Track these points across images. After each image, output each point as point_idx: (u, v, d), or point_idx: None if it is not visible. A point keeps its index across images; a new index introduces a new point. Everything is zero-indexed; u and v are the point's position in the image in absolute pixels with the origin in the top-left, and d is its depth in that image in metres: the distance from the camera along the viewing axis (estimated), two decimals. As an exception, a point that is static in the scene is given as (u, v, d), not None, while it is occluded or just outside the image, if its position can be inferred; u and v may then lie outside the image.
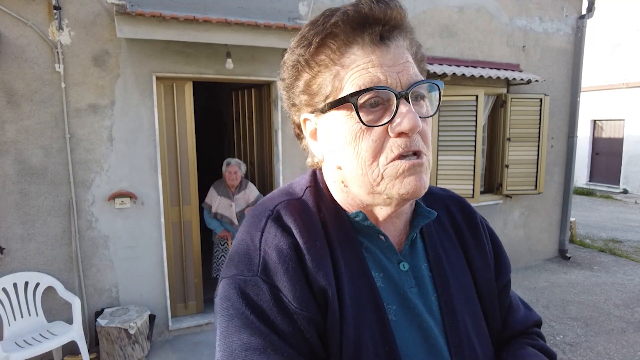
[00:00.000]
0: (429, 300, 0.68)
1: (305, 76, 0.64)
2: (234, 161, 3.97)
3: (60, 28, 3.23)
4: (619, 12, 12.81)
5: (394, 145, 0.59)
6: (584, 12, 5.71)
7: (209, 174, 5.55)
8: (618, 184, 12.51)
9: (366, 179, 0.62)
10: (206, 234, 4.18)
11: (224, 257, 4.08)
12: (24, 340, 3.03)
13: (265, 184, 4.36)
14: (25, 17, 3.13)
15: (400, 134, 0.59)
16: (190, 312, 4.03)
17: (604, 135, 12.97)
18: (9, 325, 3.09)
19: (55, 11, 3.18)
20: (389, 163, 0.60)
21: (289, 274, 0.60)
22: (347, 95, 0.60)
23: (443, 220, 0.78)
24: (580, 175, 12.91)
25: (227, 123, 6.88)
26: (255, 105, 4.36)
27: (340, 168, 0.66)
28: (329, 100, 0.63)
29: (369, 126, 0.60)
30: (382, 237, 0.68)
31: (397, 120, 0.58)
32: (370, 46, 0.60)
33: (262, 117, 4.29)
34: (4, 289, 3.13)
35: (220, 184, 4.00)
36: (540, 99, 5.23)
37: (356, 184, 0.64)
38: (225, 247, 4.05)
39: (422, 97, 0.63)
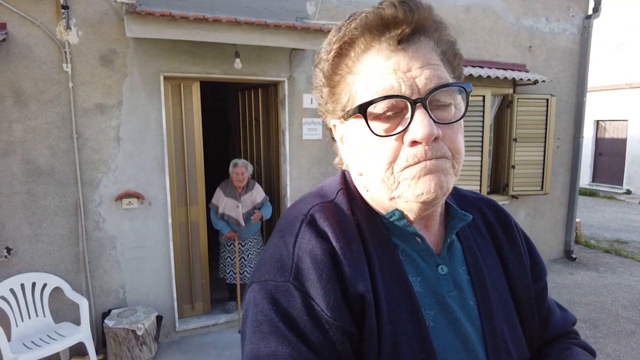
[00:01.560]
0: (467, 305, 0.66)
1: (328, 83, 0.65)
2: (241, 162, 3.95)
3: (68, 27, 3.21)
4: (622, 12, 12.78)
5: (410, 154, 0.57)
6: (590, 12, 5.69)
7: (213, 174, 5.53)
8: (621, 185, 12.49)
9: (384, 185, 0.61)
10: (213, 234, 4.16)
11: (230, 258, 4.06)
12: (32, 342, 3.01)
13: (272, 184, 4.34)
14: (33, 17, 3.11)
15: (414, 143, 0.57)
16: (197, 313, 4.01)
17: (607, 135, 12.95)
18: (17, 326, 3.07)
19: (63, 10, 3.17)
20: (403, 170, 0.58)
21: (322, 281, 0.58)
22: (357, 106, 0.60)
23: (478, 223, 0.76)
24: (583, 176, 12.84)
25: (232, 123, 6.87)
26: (262, 105, 4.35)
27: (361, 174, 0.66)
28: (347, 109, 0.63)
29: (381, 136, 0.58)
30: (419, 239, 0.66)
31: (411, 128, 0.56)
32: (386, 52, 0.58)
33: (269, 118, 4.27)
34: (12, 290, 3.11)
35: (227, 184, 3.98)
36: (547, 100, 5.21)
37: (377, 190, 0.64)
38: (232, 247, 4.04)
39: (447, 101, 0.59)
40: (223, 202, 3.92)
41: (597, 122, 13.04)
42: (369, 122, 0.59)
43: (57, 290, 3.30)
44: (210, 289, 4.09)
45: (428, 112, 0.56)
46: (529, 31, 5.34)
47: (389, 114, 0.58)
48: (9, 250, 3.19)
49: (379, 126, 0.59)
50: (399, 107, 0.58)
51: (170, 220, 3.66)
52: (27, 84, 3.16)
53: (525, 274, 0.75)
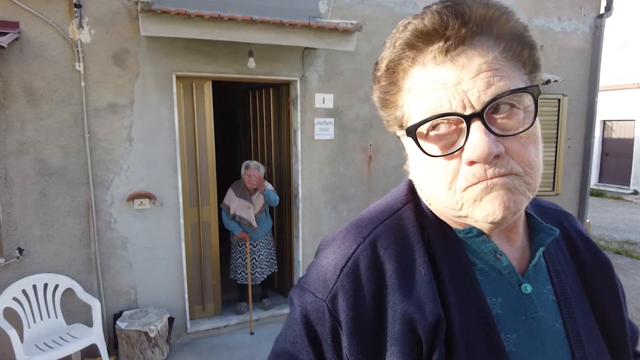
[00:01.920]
0: (553, 328, 0.61)
1: (383, 100, 0.61)
2: (253, 164, 3.91)
3: (80, 26, 3.18)
4: (625, 12, 12.70)
5: (468, 174, 0.52)
6: (602, 11, 5.64)
7: (222, 174, 5.49)
8: (628, 185, 12.41)
9: (447, 205, 0.56)
10: (224, 234, 4.13)
11: (242, 258, 4.02)
12: (45, 343, 2.99)
13: (283, 185, 4.31)
14: (45, 16, 3.08)
15: (472, 162, 0.52)
16: (208, 314, 3.98)
17: (614, 135, 12.87)
18: (29, 327, 3.04)
19: (75, 9, 3.14)
20: (464, 190, 0.53)
21: (358, 317, 0.55)
22: (406, 128, 0.56)
23: (558, 238, 0.70)
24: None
25: (241, 123, 6.84)
26: (273, 105, 4.31)
27: (421, 190, 0.61)
28: (403, 125, 0.60)
29: (434, 156, 0.54)
30: (500, 256, 0.60)
31: (466, 147, 0.51)
32: (432, 65, 0.53)
33: (280, 117, 4.23)
34: (24, 291, 3.09)
35: (239, 185, 3.94)
36: (559, 100, 5.16)
37: (440, 207, 0.59)
38: (243, 248, 4.00)
39: (513, 107, 0.52)
40: (235, 202, 3.89)
41: (604, 122, 12.96)
42: (421, 141, 0.55)
43: (69, 291, 3.27)
44: (221, 290, 4.05)
45: (486, 127, 0.50)
46: (541, 30, 5.29)
47: (442, 132, 0.53)
48: (21, 251, 3.16)
49: (432, 146, 0.54)
50: (454, 123, 0.53)
51: (182, 221, 3.63)
52: (40, 83, 3.13)
53: (609, 292, 0.69)
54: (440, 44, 0.52)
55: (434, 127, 0.54)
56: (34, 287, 3.14)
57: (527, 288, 0.60)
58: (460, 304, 0.56)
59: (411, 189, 0.66)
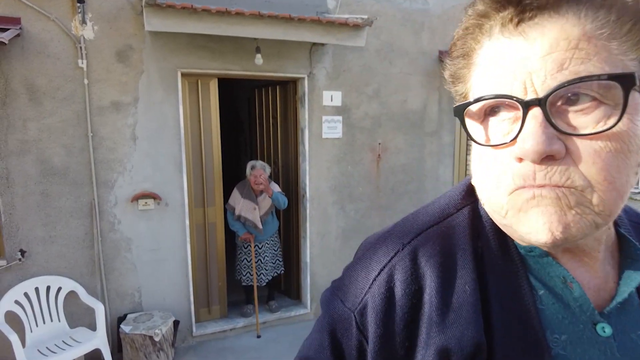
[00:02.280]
0: None
1: (452, 71, 0.52)
2: (259, 164, 3.82)
3: (83, 22, 3.10)
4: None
5: (516, 173, 0.42)
6: None
7: (226, 173, 5.40)
8: (637, 185, 12.26)
9: (494, 207, 0.46)
10: (230, 235, 4.04)
11: (247, 260, 3.94)
12: (47, 347, 2.91)
13: (290, 184, 4.22)
14: (48, 11, 3.00)
15: (520, 159, 0.42)
16: (214, 316, 3.89)
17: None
18: (31, 331, 2.96)
19: (78, 5, 3.06)
20: (510, 193, 0.43)
21: (387, 335, 0.49)
22: (454, 106, 0.48)
23: None
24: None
25: (245, 121, 6.75)
26: (280, 103, 4.22)
27: (477, 188, 0.51)
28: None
29: (481, 144, 0.46)
30: (572, 284, 0.48)
31: (518, 139, 0.41)
32: (499, 37, 0.44)
33: (287, 115, 4.14)
34: (26, 294, 3.01)
35: (244, 185, 3.85)
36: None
37: (489, 210, 0.49)
38: (249, 250, 3.91)
39: (598, 102, 0.40)
40: (240, 203, 3.80)
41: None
42: (475, 125, 0.47)
43: (72, 294, 3.19)
44: (227, 292, 3.97)
45: (547, 118, 0.40)
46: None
47: (502, 117, 0.44)
48: (23, 252, 3.08)
49: (487, 132, 0.46)
50: (515, 108, 0.43)
51: (187, 222, 3.55)
52: (42, 80, 3.05)
53: None
54: (511, 10, 0.42)
55: (492, 111, 0.45)
56: (36, 289, 3.07)
57: (606, 330, 0.47)
58: (509, 333, 0.45)
59: (470, 190, 0.55)
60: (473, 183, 0.52)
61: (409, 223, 0.55)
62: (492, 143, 0.45)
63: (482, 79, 0.45)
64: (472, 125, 0.47)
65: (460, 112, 0.46)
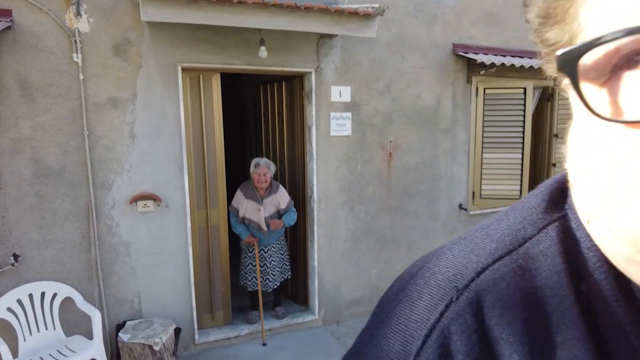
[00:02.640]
0: None
1: (547, 6, 0.30)
2: (263, 162, 3.64)
3: (78, 14, 2.94)
4: None
5: None
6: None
7: (230, 173, 5.23)
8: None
9: (634, 237, 0.26)
10: (234, 238, 3.87)
11: (252, 264, 3.76)
12: (41, 357, 2.76)
13: (297, 184, 4.03)
14: (40, 3, 2.84)
15: None
16: (217, 323, 3.72)
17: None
18: (24, 340, 2.82)
19: (72, -5, 2.90)
20: None
21: None
22: (558, 54, 0.26)
23: None
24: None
25: (249, 118, 6.58)
26: (286, 99, 4.03)
27: (580, 196, 0.31)
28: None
29: (608, 120, 0.25)
30: None
31: None
32: None
33: (293, 112, 3.96)
34: (19, 301, 2.86)
35: (248, 185, 3.67)
36: (591, 92, 4.80)
37: (596, 223, 0.29)
38: (253, 253, 3.73)
39: None
40: (244, 204, 3.62)
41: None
42: (592, 88, 0.26)
43: (68, 300, 3.04)
44: (231, 297, 3.80)
45: None
46: (571, 18, 4.94)
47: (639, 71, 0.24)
48: (16, 257, 2.93)
49: (607, 97, 0.25)
50: None
51: (189, 224, 3.38)
52: (35, 76, 2.89)
53: None
54: None
55: (628, 60, 0.24)
56: (30, 296, 2.92)
57: None
58: None
59: (556, 198, 0.35)
60: (573, 187, 0.32)
61: (462, 253, 0.35)
62: (628, 118, 0.24)
63: (608, 4, 0.25)
64: (587, 89, 0.26)
65: (571, 63, 0.26)
